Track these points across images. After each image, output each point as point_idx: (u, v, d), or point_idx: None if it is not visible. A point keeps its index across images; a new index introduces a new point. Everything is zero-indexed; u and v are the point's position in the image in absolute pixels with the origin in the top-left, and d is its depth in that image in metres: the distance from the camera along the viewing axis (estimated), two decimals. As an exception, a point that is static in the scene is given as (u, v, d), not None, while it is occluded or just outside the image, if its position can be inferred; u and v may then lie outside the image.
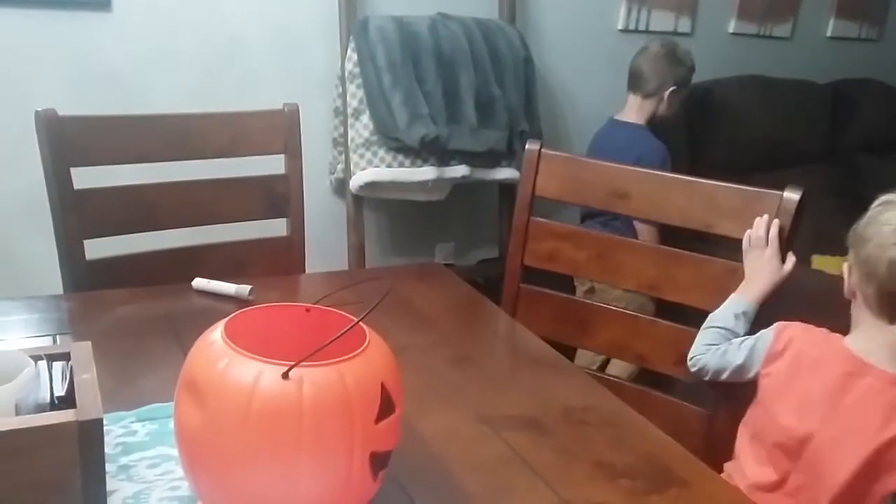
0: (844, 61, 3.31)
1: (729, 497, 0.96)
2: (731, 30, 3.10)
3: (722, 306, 1.32)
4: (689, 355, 1.32)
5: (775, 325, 1.27)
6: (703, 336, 1.32)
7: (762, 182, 2.81)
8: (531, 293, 1.58)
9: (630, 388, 1.46)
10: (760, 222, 1.33)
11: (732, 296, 1.32)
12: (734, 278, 1.33)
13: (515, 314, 1.55)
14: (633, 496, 0.92)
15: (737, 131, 2.79)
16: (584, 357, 2.16)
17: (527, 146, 1.58)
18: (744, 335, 1.29)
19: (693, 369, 1.31)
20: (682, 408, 1.40)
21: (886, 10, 3.43)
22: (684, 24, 2.98)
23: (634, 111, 2.47)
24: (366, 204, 2.48)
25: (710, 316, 1.33)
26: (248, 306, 0.91)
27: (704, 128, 2.67)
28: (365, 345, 0.82)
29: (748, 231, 1.33)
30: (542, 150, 1.55)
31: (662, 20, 2.92)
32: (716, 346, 1.29)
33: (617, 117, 2.51)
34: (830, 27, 3.32)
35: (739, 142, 2.79)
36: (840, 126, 2.98)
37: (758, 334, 1.28)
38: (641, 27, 2.89)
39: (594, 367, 2.16)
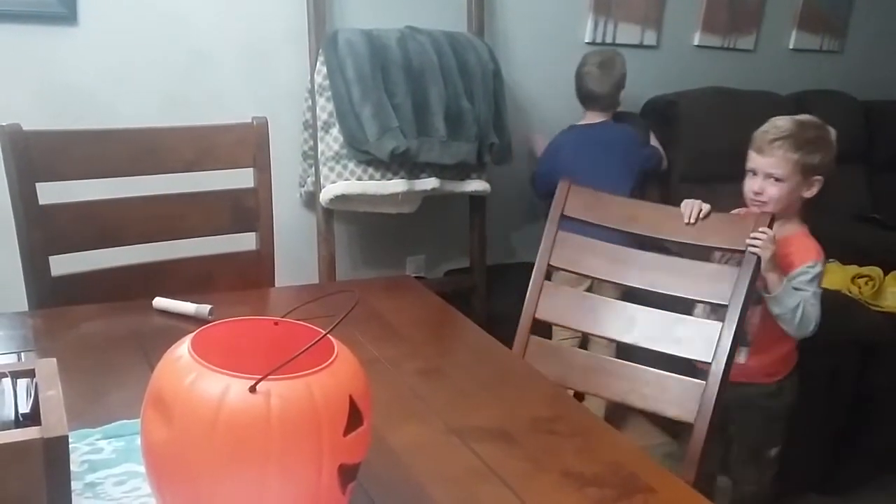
0: (807, 73, 3.38)
1: (693, 503, 0.97)
2: (696, 42, 3.15)
3: (781, 290, 1.66)
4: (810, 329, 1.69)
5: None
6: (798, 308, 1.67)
7: (726, 193, 2.87)
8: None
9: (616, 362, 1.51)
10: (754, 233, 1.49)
11: (773, 277, 1.65)
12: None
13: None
14: (601, 504, 0.93)
15: (701, 142, 2.83)
16: (561, 334, 2.21)
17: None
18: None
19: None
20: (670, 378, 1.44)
21: (847, 23, 3.50)
22: (650, 37, 3.02)
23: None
24: (336, 217, 2.48)
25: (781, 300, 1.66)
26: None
27: (669, 139, 2.71)
28: (333, 357, 0.83)
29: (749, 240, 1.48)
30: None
31: (628, 33, 2.97)
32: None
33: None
34: (793, 39, 3.39)
35: (704, 153, 2.83)
36: (802, 137, 3.04)
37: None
38: (608, 40, 2.93)
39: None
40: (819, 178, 1.78)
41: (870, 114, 3.26)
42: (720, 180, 2.84)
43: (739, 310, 1.39)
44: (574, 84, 2.64)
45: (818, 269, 1.75)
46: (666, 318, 1.48)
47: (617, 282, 1.57)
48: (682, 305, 1.50)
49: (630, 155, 2.59)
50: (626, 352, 1.55)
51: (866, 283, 2.55)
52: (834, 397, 2.27)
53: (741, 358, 1.75)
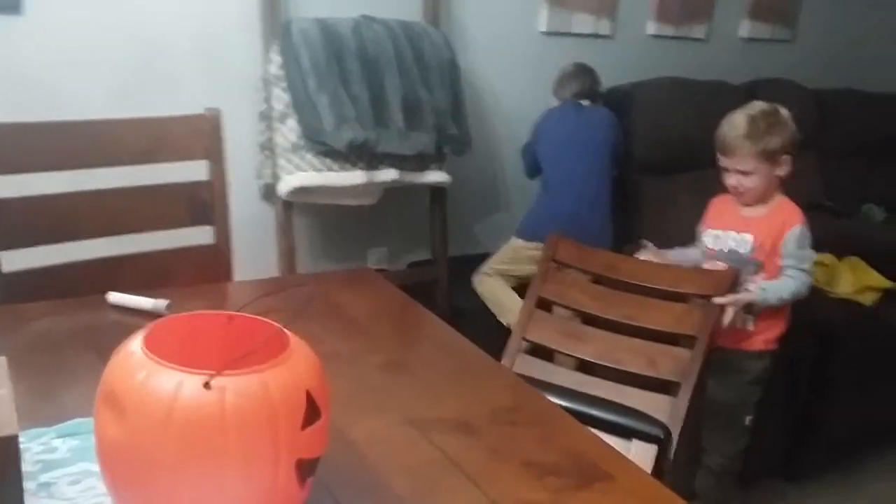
0: (759, 62, 3.43)
1: (651, 491, 0.98)
2: (649, 32, 3.18)
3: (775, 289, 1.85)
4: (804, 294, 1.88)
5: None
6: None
7: (683, 183, 2.92)
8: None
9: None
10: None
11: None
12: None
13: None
14: (560, 493, 0.94)
15: (656, 133, 2.85)
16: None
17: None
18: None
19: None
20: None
21: (798, 12, 3.56)
22: (604, 27, 3.04)
23: None
24: (295, 209, 2.45)
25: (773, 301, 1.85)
26: (168, 317, 0.89)
27: (625, 130, 2.73)
28: (289, 352, 0.82)
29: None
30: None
31: (583, 23, 2.98)
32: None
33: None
34: (744, 29, 3.44)
35: (659, 143, 2.86)
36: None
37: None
38: (563, 30, 2.94)
39: None
40: (786, 156, 1.90)
41: (821, 102, 3.32)
42: (676, 170, 2.88)
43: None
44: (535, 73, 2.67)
45: (808, 234, 1.93)
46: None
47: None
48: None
49: (612, 137, 2.65)
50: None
51: (820, 270, 2.60)
52: (792, 383, 2.31)
53: (749, 325, 1.93)
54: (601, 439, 1.08)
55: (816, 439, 2.42)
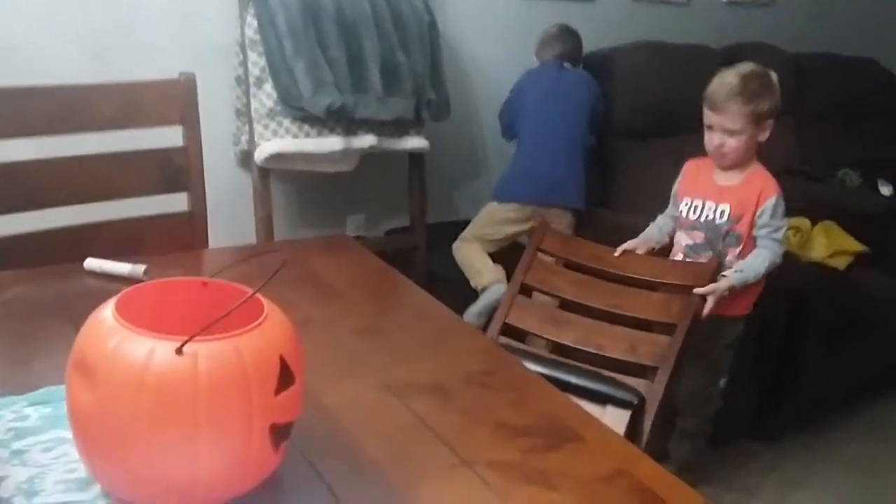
0: (739, 26, 3.42)
1: (621, 449, 1.00)
2: (631, -4, 3.16)
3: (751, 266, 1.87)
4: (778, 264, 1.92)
5: None
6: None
7: (660, 147, 2.92)
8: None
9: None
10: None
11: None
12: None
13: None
14: (531, 453, 0.95)
15: (636, 97, 2.85)
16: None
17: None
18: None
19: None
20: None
21: (779, -24, 3.56)
22: (586, -9, 3.02)
23: None
24: (272, 176, 2.44)
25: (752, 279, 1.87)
26: (141, 284, 0.89)
27: (605, 95, 2.73)
28: (262, 318, 0.82)
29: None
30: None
31: (565, -14, 2.96)
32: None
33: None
34: (725, -7, 3.43)
35: (638, 108, 2.86)
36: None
37: None
38: (545, -7, 2.92)
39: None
40: (770, 121, 1.91)
41: (799, 66, 3.32)
42: (656, 135, 2.89)
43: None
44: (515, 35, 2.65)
45: (782, 204, 1.94)
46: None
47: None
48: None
49: (591, 101, 2.65)
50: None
51: (794, 235, 2.63)
52: (763, 346, 2.35)
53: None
54: (573, 402, 1.10)
55: (787, 401, 2.46)
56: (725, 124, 1.88)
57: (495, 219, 2.56)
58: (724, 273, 1.86)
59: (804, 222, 2.68)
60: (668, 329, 1.62)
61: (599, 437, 1.01)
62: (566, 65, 2.65)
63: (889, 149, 3.61)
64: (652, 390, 1.55)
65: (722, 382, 2.05)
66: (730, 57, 3.12)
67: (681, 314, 1.62)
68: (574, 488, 0.89)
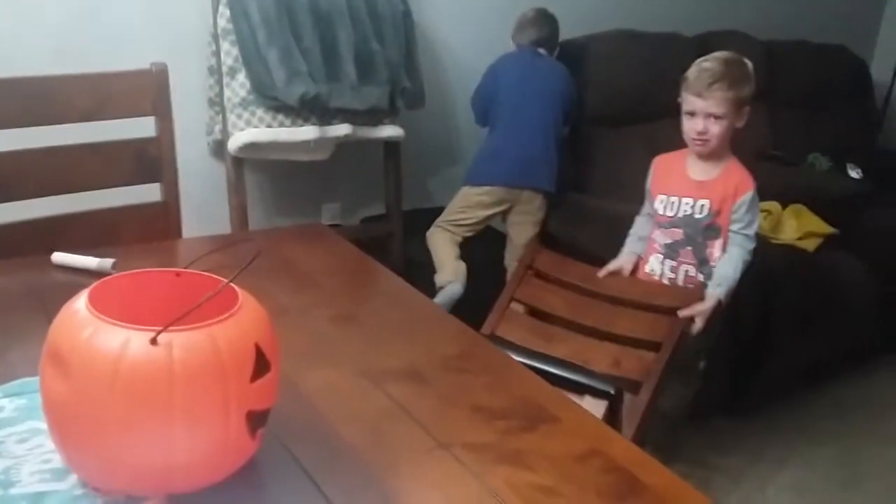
0: (711, 14, 3.44)
1: (595, 430, 1.02)
2: (604, -17, 3.17)
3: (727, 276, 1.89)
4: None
5: None
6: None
7: (632, 135, 2.94)
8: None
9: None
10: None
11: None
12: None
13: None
14: (508, 435, 0.97)
15: (609, 86, 2.87)
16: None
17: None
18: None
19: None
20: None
21: (750, -36, 3.58)
22: (559, -21, 3.02)
23: None
24: (247, 165, 2.43)
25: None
26: (114, 274, 0.89)
27: (579, 82, 2.74)
28: (237, 306, 0.82)
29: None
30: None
31: (538, -26, 2.95)
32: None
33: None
34: (698, -20, 3.45)
35: (612, 96, 2.88)
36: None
37: None
38: (518, -19, 2.91)
39: None
40: (748, 108, 1.93)
41: (771, 54, 3.35)
42: (629, 122, 2.91)
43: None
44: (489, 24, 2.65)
45: (757, 199, 1.95)
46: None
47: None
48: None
49: (565, 91, 2.65)
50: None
51: (765, 218, 2.67)
52: (736, 326, 2.38)
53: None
54: (549, 385, 1.11)
55: (759, 379, 2.51)
56: (710, 109, 1.88)
57: (468, 202, 2.57)
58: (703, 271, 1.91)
59: (775, 205, 2.72)
60: (654, 345, 1.65)
61: (574, 417, 1.03)
62: (541, 51, 2.65)
63: (858, 134, 3.67)
64: (635, 404, 1.57)
65: (702, 365, 2.07)
66: (702, 44, 3.16)
67: (667, 334, 1.66)
68: (549, 468, 0.91)
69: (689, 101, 1.92)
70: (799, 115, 3.45)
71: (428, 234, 2.60)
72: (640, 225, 2.08)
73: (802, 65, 3.47)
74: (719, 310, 1.88)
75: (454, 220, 2.58)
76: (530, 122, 2.58)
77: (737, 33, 3.33)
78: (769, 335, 2.48)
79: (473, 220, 2.57)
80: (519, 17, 2.69)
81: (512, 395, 1.07)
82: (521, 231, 2.62)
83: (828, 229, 2.70)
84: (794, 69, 3.44)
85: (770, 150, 3.22)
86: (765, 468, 2.36)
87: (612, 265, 1.96)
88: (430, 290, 1.40)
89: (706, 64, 1.91)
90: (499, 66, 2.65)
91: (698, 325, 1.81)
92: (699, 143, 1.92)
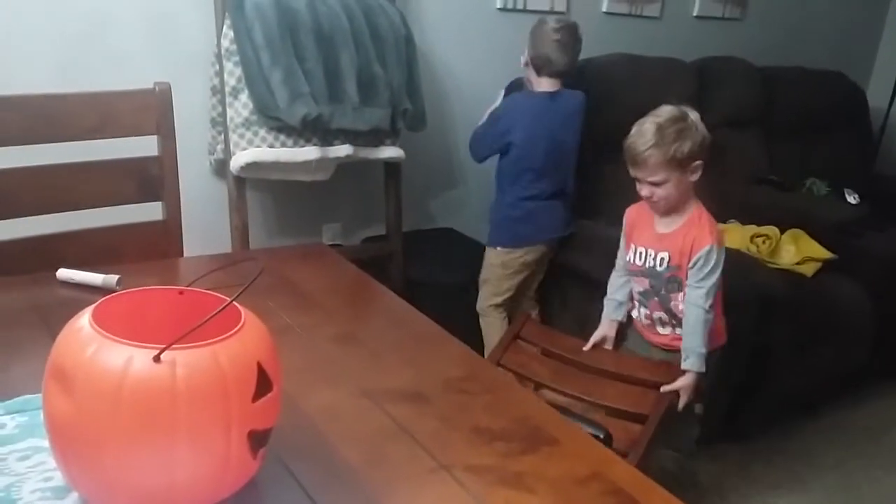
0: (709, 40, 3.48)
1: (595, 453, 1.02)
2: (604, 9, 3.20)
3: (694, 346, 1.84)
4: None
5: None
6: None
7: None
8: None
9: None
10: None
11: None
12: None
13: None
14: (508, 457, 0.97)
15: (608, 109, 2.88)
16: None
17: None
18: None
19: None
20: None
21: (748, -9, 3.62)
22: (560, 4, 3.05)
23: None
24: (248, 185, 2.44)
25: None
26: (118, 292, 0.89)
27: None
28: (240, 325, 0.83)
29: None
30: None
31: (539, 0, 2.99)
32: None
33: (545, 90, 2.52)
34: (697, 7, 3.48)
35: (611, 119, 2.88)
36: (704, 102, 3.13)
37: None
38: (519, 6, 2.95)
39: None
40: (698, 162, 1.84)
41: (768, 79, 3.38)
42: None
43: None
44: (491, 49, 2.64)
45: (714, 254, 1.84)
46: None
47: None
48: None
49: (581, 123, 2.61)
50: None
51: (763, 242, 2.68)
52: (735, 350, 2.38)
53: (679, 333, 1.92)
54: (549, 407, 1.12)
55: (757, 403, 2.51)
56: (648, 177, 1.83)
57: (512, 268, 2.56)
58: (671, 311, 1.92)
59: (773, 230, 2.73)
60: (640, 417, 1.65)
61: (574, 440, 1.03)
62: (556, 86, 2.51)
63: (855, 159, 3.69)
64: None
65: (698, 408, 2.01)
66: (701, 69, 3.19)
67: (653, 407, 1.67)
68: (550, 490, 0.91)
69: (629, 167, 1.88)
70: (796, 140, 3.47)
71: (481, 319, 2.60)
72: (615, 287, 2.05)
73: (800, 90, 3.50)
74: (701, 379, 1.84)
75: (504, 294, 2.57)
76: (559, 173, 2.55)
77: (734, 59, 3.37)
78: (768, 359, 2.48)
79: (518, 281, 2.58)
80: (541, 34, 2.47)
81: (513, 417, 1.07)
82: (537, 278, 2.66)
83: (826, 254, 2.71)
84: (792, 95, 3.47)
85: (767, 174, 3.24)
86: (764, 493, 2.35)
87: (595, 336, 1.97)
88: (431, 310, 1.40)
89: (639, 129, 1.85)
90: (515, 115, 2.49)
91: (683, 399, 1.79)
92: (650, 205, 1.91)
